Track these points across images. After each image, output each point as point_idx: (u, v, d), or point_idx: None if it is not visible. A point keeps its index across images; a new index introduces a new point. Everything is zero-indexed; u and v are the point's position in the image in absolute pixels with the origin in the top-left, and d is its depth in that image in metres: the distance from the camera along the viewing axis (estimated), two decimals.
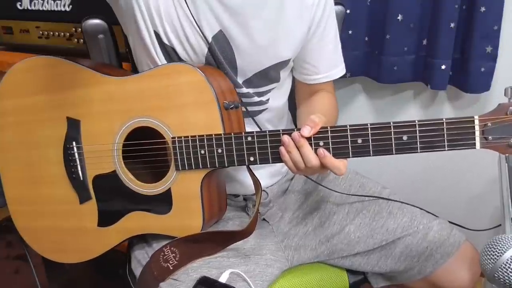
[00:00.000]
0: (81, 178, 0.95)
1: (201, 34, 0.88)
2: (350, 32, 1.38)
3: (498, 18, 1.26)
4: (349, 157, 0.78)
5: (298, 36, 0.96)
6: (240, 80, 0.94)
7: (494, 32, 1.27)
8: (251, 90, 0.96)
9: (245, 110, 0.92)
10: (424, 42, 1.35)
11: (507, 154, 0.74)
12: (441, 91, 1.43)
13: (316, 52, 1.00)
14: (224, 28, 0.89)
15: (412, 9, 1.30)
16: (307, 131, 0.77)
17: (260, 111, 0.99)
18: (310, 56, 1.01)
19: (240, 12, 0.89)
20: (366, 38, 1.41)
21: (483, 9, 1.24)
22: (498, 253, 0.67)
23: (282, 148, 0.80)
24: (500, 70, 1.32)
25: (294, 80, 1.07)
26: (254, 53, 0.92)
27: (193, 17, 0.87)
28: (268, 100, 0.99)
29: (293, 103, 1.11)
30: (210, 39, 0.89)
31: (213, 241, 0.90)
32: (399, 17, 1.30)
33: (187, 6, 0.87)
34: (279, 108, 1.03)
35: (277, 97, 1.01)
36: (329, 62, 1.03)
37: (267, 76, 0.96)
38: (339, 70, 1.06)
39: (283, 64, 0.97)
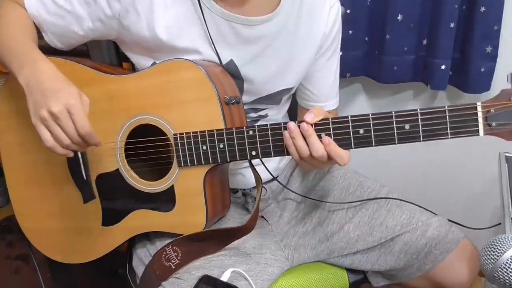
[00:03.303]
0: (85, 178, 0.95)
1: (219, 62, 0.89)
2: (350, 32, 1.38)
3: (498, 18, 1.26)
4: (351, 148, 0.78)
5: (305, 65, 0.97)
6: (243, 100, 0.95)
7: (494, 32, 1.27)
8: (247, 106, 0.97)
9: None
10: (424, 42, 1.35)
11: (511, 141, 0.72)
12: (441, 91, 1.43)
13: (317, 80, 1.02)
14: (235, 57, 0.90)
15: (412, 9, 1.31)
16: (310, 117, 0.77)
17: (258, 120, 1.00)
18: (310, 83, 1.03)
19: (254, 43, 0.90)
20: (366, 38, 1.41)
21: (483, 9, 1.24)
22: (498, 253, 0.68)
23: (286, 132, 0.79)
24: (500, 70, 1.32)
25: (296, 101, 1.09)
26: (262, 81, 0.94)
27: (214, 47, 0.88)
28: (266, 114, 1.01)
29: (292, 115, 1.13)
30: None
31: (214, 239, 0.90)
32: (399, 17, 1.31)
33: (210, 38, 0.87)
34: (278, 120, 1.05)
35: (274, 112, 1.02)
36: (328, 93, 1.05)
37: (269, 99, 0.98)
38: (334, 102, 1.08)
39: (286, 91, 0.99)
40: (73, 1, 0.87)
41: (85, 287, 1.68)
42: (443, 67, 1.31)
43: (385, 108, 1.53)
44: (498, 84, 1.35)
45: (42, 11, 0.88)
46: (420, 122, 0.73)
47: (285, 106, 1.06)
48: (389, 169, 1.55)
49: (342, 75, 1.33)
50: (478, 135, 0.71)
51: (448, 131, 0.72)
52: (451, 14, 1.26)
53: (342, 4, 1.15)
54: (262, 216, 1.05)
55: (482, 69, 1.31)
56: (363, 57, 1.43)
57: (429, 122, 0.72)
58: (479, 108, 0.70)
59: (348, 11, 1.32)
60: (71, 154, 0.82)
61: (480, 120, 0.70)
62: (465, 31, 1.30)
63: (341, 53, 1.04)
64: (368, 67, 1.44)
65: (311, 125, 0.77)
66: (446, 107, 0.71)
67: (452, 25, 1.26)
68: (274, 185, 1.08)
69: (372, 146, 0.76)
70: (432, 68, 1.33)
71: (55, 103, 0.75)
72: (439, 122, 0.72)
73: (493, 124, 0.70)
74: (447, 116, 0.71)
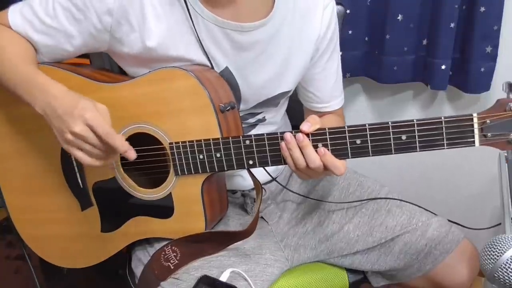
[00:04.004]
0: (81, 186, 0.94)
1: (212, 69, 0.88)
2: (350, 32, 1.38)
3: (498, 18, 1.26)
4: (348, 158, 0.78)
5: (301, 69, 0.96)
6: (240, 107, 0.95)
7: (494, 32, 1.27)
8: (244, 112, 0.97)
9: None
10: (424, 42, 1.35)
11: (505, 150, 0.73)
12: (441, 91, 1.43)
13: (318, 82, 1.02)
14: (230, 64, 0.90)
15: (412, 9, 1.31)
16: (306, 126, 0.77)
17: (256, 125, 1.00)
18: (311, 85, 1.02)
19: (249, 49, 0.89)
20: (366, 38, 1.41)
21: (483, 9, 1.24)
22: (498, 253, 0.68)
23: (283, 143, 0.79)
24: (500, 70, 1.32)
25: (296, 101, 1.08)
26: (259, 86, 0.93)
27: (207, 56, 0.87)
28: (264, 118, 1.00)
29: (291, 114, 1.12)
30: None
31: (213, 241, 0.90)
32: (399, 17, 1.31)
33: (201, 46, 0.86)
34: (277, 122, 1.04)
35: (272, 115, 1.02)
36: (331, 93, 1.05)
37: (267, 104, 0.97)
38: (339, 101, 1.07)
39: (284, 94, 0.98)
40: (61, 19, 0.85)
41: None
42: (443, 67, 1.31)
43: (385, 108, 1.54)
44: (498, 84, 1.35)
45: (30, 31, 0.87)
46: (416, 133, 0.73)
47: (282, 107, 1.06)
48: (389, 169, 1.55)
49: (342, 75, 1.33)
50: (474, 145, 0.72)
51: (445, 142, 0.73)
52: (451, 14, 1.26)
53: (342, 4, 1.15)
54: (262, 217, 1.04)
55: (482, 69, 1.31)
56: (363, 57, 1.43)
57: (426, 132, 0.73)
58: (475, 120, 0.71)
59: (348, 11, 1.32)
60: (110, 163, 0.83)
61: (476, 131, 0.71)
62: (465, 31, 1.30)
63: (341, 53, 1.04)
64: (368, 67, 1.44)
65: (308, 135, 0.77)
66: (442, 118, 0.72)
67: (452, 25, 1.26)
68: (273, 186, 1.08)
69: (369, 156, 0.76)
70: (432, 68, 1.33)
71: (75, 124, 0.76)
72: (435, 133, 0.73)
73: (489, 134, 0.71)
74: (444, 127, 0.72)
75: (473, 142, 0.72)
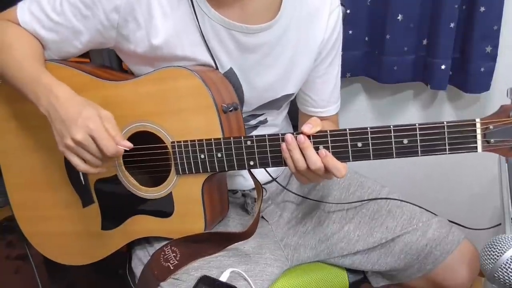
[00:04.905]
0: (83, 183, 0.94)
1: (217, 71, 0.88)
2: (350, 32, 1.38)
3: (498, 18, 1.26)
4: (349, 161, 0.77)
5: (306, 69, 0.96)
6: (243, 109, 0.94)
7: (494, 32, 1.27)
8: (246, 114, 0.97)
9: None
10: (424, 42, 1.35)
11: (509, 157, 0.72)
12: (441, 91, 1.43)
13: (317, 86, 1.01)
14: (235, 66, 0.89)
15: (412, 9, 1.31)
16: (308, 128, 0.77)
17: (257, 127, 1.00)
18: (310, 88, 1.02)
19: (254, 51, 0.89)
20: (366, 38, 1.41)
21: (483, 9, 1.24)
22: (498, 253, 0.68)
23: (283, 144, 0.79)
24: (500, 70, 1.32)
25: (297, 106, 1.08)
26: (263, 88, 0.93)
27: (212, 57, 0.87)
28: (266, 119, 1.00)
29: (292, 117, 1.12)
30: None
31: (213, 241, 0.90)
32: (399, 17, 1.31)
33: (207, 46, 0.86)
34: (278, 124, 1.04)
35: (274, 117, 1.02)
36: (328, 98, 1.04)
37: (269, 106, 0.97)
38: (335, 107, 1.07)
39: (288, 97, 0.98)
40: (68, 15, 0.85)
41: (84, 287, 1.69)
42: (443, 67, 1.31)
43: (385, 108, 1.54)
44: (498, 84, 1.35)
45: (38, 27, 0.87)
46: (418, 137, 0.73)
47: (285, 110, 1.06)
48: (389, 170, 1.55)
49: (342, 75, 1.33)
50: (477, 151, 0.71)
51: (447, 147, 0.72)
52: (451, 14, 1.26)
53: (342, 4, 1.15)
54: (262, 217, 1.04)
55: (482, 69, 1.31)
56: (363, 57, 1.43)
57: (428, 137, 0.72)
58: (478, 125, 0.70)
59: (348, 11, 1.32)
60: (105, 170, 0.84)
61: (479, 137, 0.70)
62: (465, 31, 1.30)
63: (341, 53, 1.04)
64: (368, 67, 1.44)
65: (309, 136, 0.77)
66: (445, 122, 0.71)
67: (452, 25, 1.26)
68: (273, 186, 1.08)
69: (370, 159, 0.76)
70: (432, 68, 1.33)
71: (77, 131, 0.77)
72: (437, 138, 0.72)
73: (492, 140, 0.70)
74: (446, 132, 0.71)
75: (476, 148, 0.71)
